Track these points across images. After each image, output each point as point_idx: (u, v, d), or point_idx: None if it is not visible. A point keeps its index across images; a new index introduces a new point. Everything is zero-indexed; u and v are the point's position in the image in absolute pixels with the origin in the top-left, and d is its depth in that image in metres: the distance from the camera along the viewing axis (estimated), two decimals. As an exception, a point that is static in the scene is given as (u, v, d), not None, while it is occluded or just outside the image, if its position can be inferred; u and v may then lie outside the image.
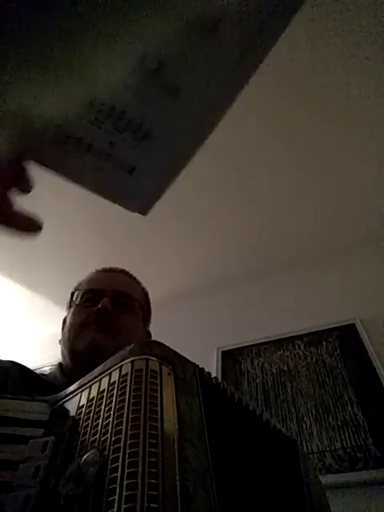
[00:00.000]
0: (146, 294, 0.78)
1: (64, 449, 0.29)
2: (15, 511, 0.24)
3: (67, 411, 0.33)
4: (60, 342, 0.68)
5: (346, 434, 1.34)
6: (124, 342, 0.39)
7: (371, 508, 1.12)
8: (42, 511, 0.24)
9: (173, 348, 0.38)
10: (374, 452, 1.26)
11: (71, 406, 0.34)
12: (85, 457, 0.26)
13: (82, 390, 0.35)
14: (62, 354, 0.66)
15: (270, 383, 1.64)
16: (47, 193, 1.80)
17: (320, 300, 1.88)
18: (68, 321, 0.68)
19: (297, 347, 1.74)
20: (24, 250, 2.04)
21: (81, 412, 0.32)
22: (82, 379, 0.36)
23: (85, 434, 0.29)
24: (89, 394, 0.33)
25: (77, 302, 0.68)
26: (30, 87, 0.21)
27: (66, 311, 0.72)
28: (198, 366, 0.38)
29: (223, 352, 1.85)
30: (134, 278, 0.78)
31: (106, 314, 0.63)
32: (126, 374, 0.31)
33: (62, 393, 0.36)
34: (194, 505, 0.24)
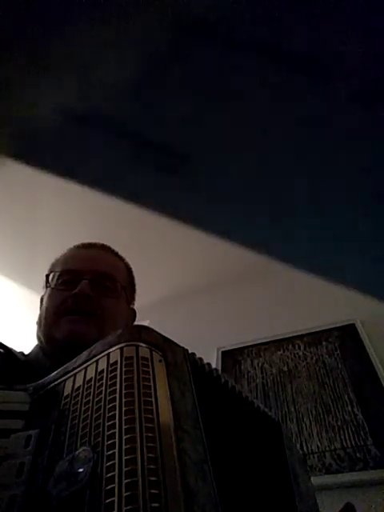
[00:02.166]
0: (129, 270, 0.71)
1: (50, 444, 0.27)
2: None
3: (50, 401, 0.31)
4: (37, 323, 0.62)
5: (346, 434, 1.34)
6: (107, 329, 0.36)
7: (371, 508, 1.12)
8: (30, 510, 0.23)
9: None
10: (373, 452, 1.26)
11: (54, 396, 0.31)
12: (76, 453, 0.24)
13: (66, 379, 0.32)
14: (38, 338, 0.60)
15: (270, 383, 1.64)
16: (47, 192, 1.79)
17: (320, 300, 1.87)
18: (43, 304, 0.61)
19: (297, 347, 1.74)
20: (24, 250, 2.04)
21: (66, 403, 0.30)
22: (65, 366, 0.34)
23: (73, 427, 0.27)
24: (74, 383, 0.31)
25: (52, 285, 0.60)
26: (30, 87, 0.21)
27: (43, 290, 0.65)
28: (187, 350, 0.37)
29: (223, 352, 1.85)
30: (116, 254, 0.70)
31: (84, 298, 0.55)
32: (116, 362, 0.29)
33: (43, 380, 0.34)
34: (197, 499, 0.22)
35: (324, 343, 1.70)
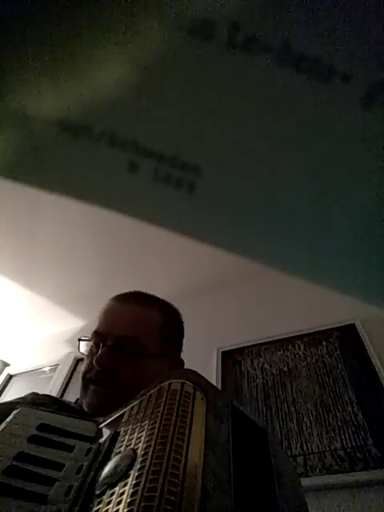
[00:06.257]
0: (167, 322, 0.67)
1: (104, 452, 0.34)
2: (59, 497, 0.30)
3: (110, 426, 0.38)
4: None
5: (346, 435, 1.34)
6: (125, 396, 0.42)
7: (372, 508, 1.12)
8: (81, 497, 0.29)
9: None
10: (374, 452, 1.26)
11: (115, 422, 0.38)
12: (121, 454, 0.31)
13: (125, 410, 0.39)
14: None
15: (270, 383, 1.64)
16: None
17: (320, 300, 1.87)
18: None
19: (297, 347, 1.74)
20: (24, 250, 2.04)
21: (120, 424, 0.37)
22: (127, 403, 0.41)
23: (123, 440, 0.34)
24: (130, 411, 0.38)
25: (87, 348, 0.65)
26: (29, 86, 0.21)
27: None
28: (232, 400, 0.41)
29: (223, 352, 1.85)
30: (149, 304, 0.68)
31: (102, 370, 0.59)
32: (162, 394, 0.35)
33: (111, 415, 0.42)
34: (212, 500, 0.27)
35: (324, 343, 1.70)
